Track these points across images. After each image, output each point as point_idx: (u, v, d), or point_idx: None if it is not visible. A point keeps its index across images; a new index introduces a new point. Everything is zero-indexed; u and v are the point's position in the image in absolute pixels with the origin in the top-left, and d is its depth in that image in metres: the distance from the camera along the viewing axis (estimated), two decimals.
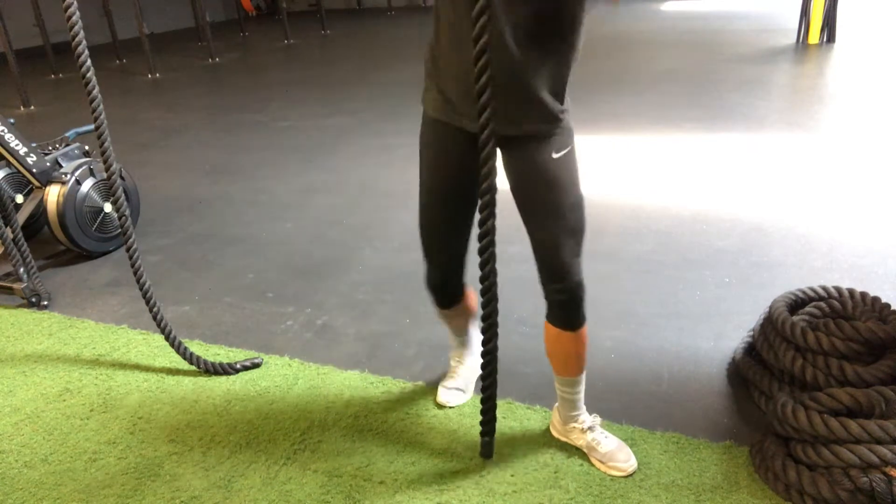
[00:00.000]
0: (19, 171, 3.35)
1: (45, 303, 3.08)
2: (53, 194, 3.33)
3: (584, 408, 1.97)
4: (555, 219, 1.68)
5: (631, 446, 1.93)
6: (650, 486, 1.83)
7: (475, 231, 1.68)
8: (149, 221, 3.94)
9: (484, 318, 1.67)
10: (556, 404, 2.01)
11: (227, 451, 2.07)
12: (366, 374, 2.41)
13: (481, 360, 1.76)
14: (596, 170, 4.29)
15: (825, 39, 7.87)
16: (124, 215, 2.28)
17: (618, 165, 4.36)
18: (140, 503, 1.89)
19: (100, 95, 2.13)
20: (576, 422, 1.95)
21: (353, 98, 6.98)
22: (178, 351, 2.47)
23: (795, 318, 2.10)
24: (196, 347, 2.62)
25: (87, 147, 3.71)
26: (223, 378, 2.44)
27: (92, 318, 2.94)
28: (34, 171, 3.32)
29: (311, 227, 3.81)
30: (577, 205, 1.70)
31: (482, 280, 1.63)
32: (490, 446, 1.91)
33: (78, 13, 2.00)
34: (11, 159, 3.25)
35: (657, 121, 5.26)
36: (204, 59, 10.39)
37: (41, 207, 3.45)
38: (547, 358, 1.92)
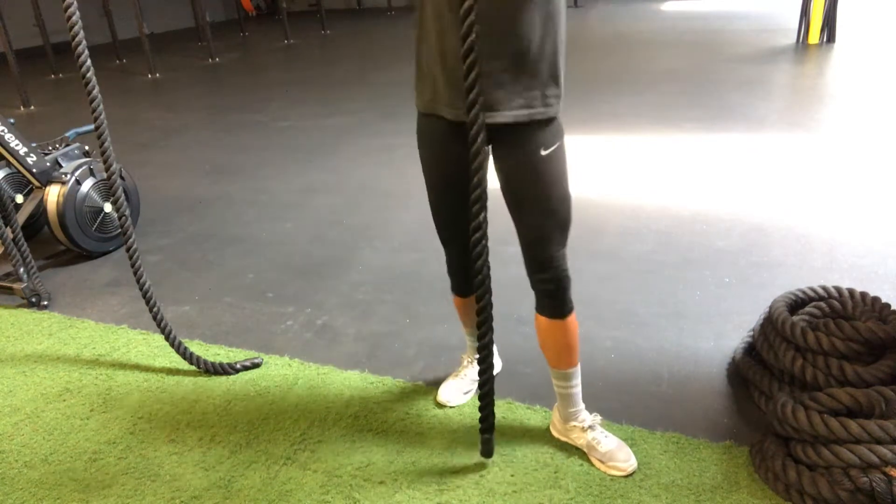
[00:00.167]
0: (19, 171, 3.36)
1: (45, 303, 3.08)
2: (53, 194, 3.33)
3: (583, 405, 1.97)
4: (543, 214, 1.72)
5: (631, 446, 1.93)
6: (650, 486, 1.83)
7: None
8: (149, 221, 3.95)
9: (478, 312, 1.71)
10: (556, 404, 2.01)
11: (227, 451, 2.07)
12: (366, 374, 2.41)
13: (477, 356, 1.78)
14: (596, 170, 4.29)
15: (825, 39, 7.87)
16: (124, 215, 2.28)
17: (618, 165, 4.36)
18: (140, 503, 1.89)
19: (100, 95, 2.13)
20: (576, 420, 1.96)
21: (353, 98, 6.98)
22: (178, 351, 2.47)
23: (795, 318, 2.10)
24: (196, 347, 2.62)
25: (87, 147, 3.72)
26: (223, 378, 2.44)
27: (92, 318, 2.94)
28: (34, 171, 3.32)
29: (311, 227, 3.81)
30: (564, 199, 1.73)
31: (476, 274, 1.67)
32: (490, 444, 1.91)
33: (78, 13, 2.00)
34: (11, 159, 3.25)
35: (657, 121, 5.26)
36: (204, 59, 10.40)
37: (41, 207, 3.45)
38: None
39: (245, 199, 4.32)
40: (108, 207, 3.51)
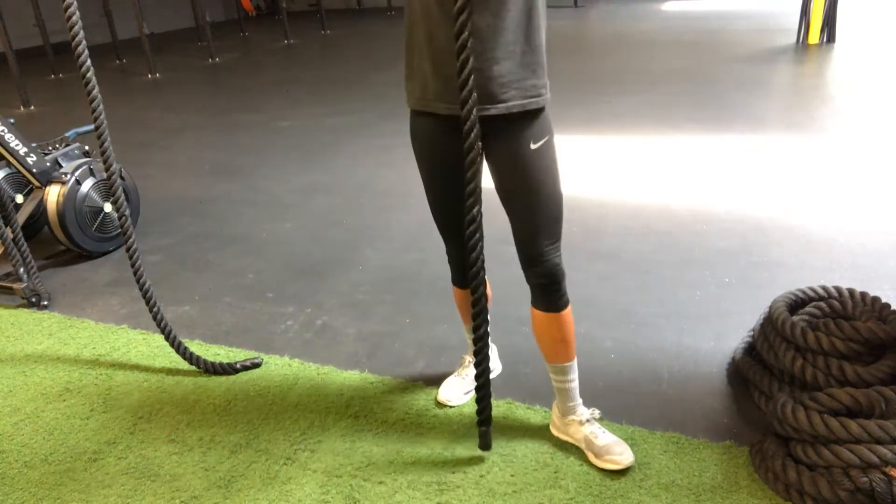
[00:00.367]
0: (19, 171, 3.36)
1: (45, 303, 3.08)
2: (53, 194, 3.33)
3: (580, 400, 1.98)
4: (532, 209, 1.74)
5: (631, 446, 1.93)
6: (650, 486, 1.83)
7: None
8: (149, 221, 3.94)
9: (473, 304, 1.73)
10: (555, 401, 2.02)
11: (227, 451, 2.07)
12: (366, 374, 2.41)
13: (476, 356, 1.79)
14: (596, 170, 4.29)
15: (825, 39, 7.87)
16: (124, 215, 2.28)
17: (618, 165, 4.36)
18: (140, 503, 1.89)
19: (100, 95, 2.13)
20: (574, 414, 1.96)
21: (353, 98, 6.98)
22: (178, 351, 2.47)
23: (795, 318, 2.10)
24: (196, 347, 2.62)
25: (87, 147, 3.72)
26: (223, 378, 2.44)
27: (92, 318, 2.94)
28: (34, 171, 3.32)
29: (311, 227, 3.81)
30: (554, 195, 1.75)
31: (470, 266, 1.69)
32: (488, 437, 1.92)
33: (78, 13, 2.00)
34: (11, 159, 3.25)
35: (657, 121, 5.26)
36: (204, 59, 10.39)
37: (41, 207, 3.45)
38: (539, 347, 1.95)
39: (245, 199, 4.32)
40: (108, 207, 3.51)
